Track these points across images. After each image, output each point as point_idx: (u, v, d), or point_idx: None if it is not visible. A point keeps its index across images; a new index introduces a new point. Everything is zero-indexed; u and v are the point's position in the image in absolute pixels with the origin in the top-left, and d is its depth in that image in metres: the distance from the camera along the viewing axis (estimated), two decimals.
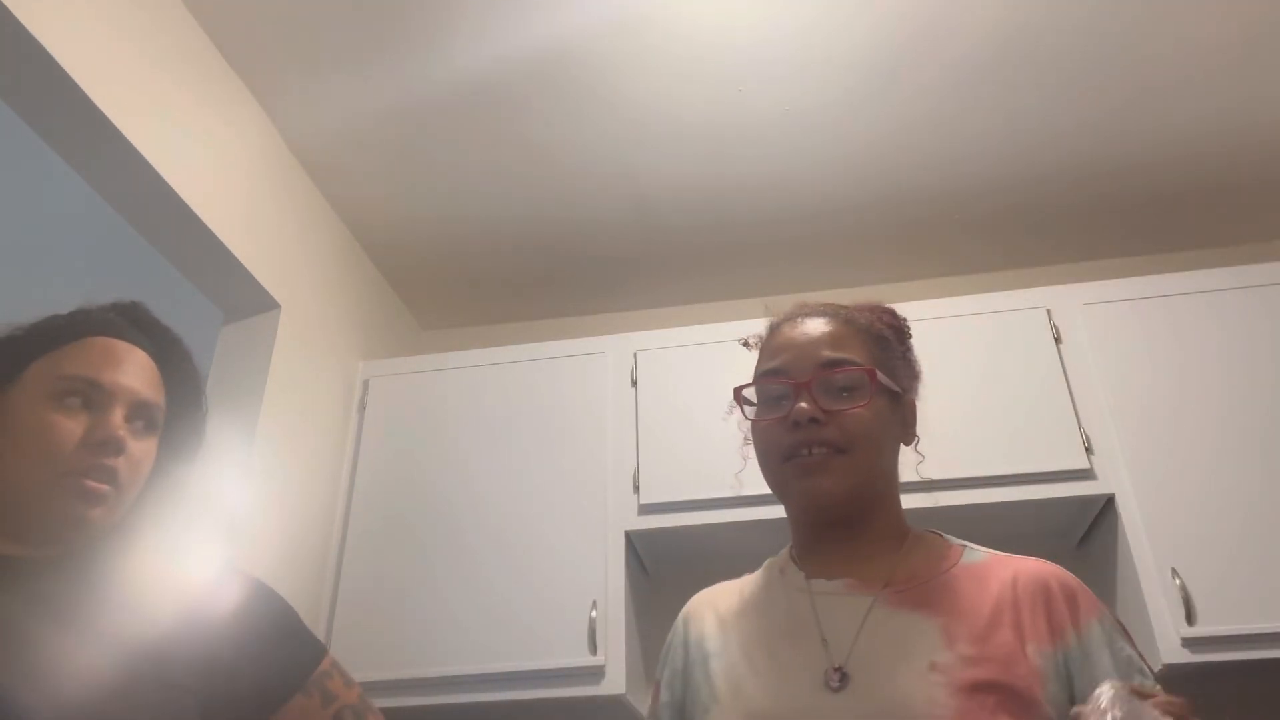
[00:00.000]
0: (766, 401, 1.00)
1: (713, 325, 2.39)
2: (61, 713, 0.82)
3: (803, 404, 0.93)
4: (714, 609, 1.04)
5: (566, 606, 2.02)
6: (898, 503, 1.02)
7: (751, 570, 1.09)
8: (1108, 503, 2.02)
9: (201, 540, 1.04)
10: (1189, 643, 1.80)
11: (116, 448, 0.92)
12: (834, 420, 0.94)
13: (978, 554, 0.98)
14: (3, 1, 1.43)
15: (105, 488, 0.92)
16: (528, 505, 2.17)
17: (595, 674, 1.95)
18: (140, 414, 0.97)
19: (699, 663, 0.99)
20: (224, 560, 1.06)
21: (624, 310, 2.90)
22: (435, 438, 2.31)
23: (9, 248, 2.65)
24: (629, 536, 2.12)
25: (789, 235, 2.62)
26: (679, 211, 2.52)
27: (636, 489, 2.15)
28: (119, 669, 0.88)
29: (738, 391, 1.03)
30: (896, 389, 1.01)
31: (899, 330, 1.07)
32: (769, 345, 1.05)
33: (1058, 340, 2.18)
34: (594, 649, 1.96)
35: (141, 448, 0.97)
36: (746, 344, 1.11)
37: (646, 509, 2.13)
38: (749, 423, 1.03)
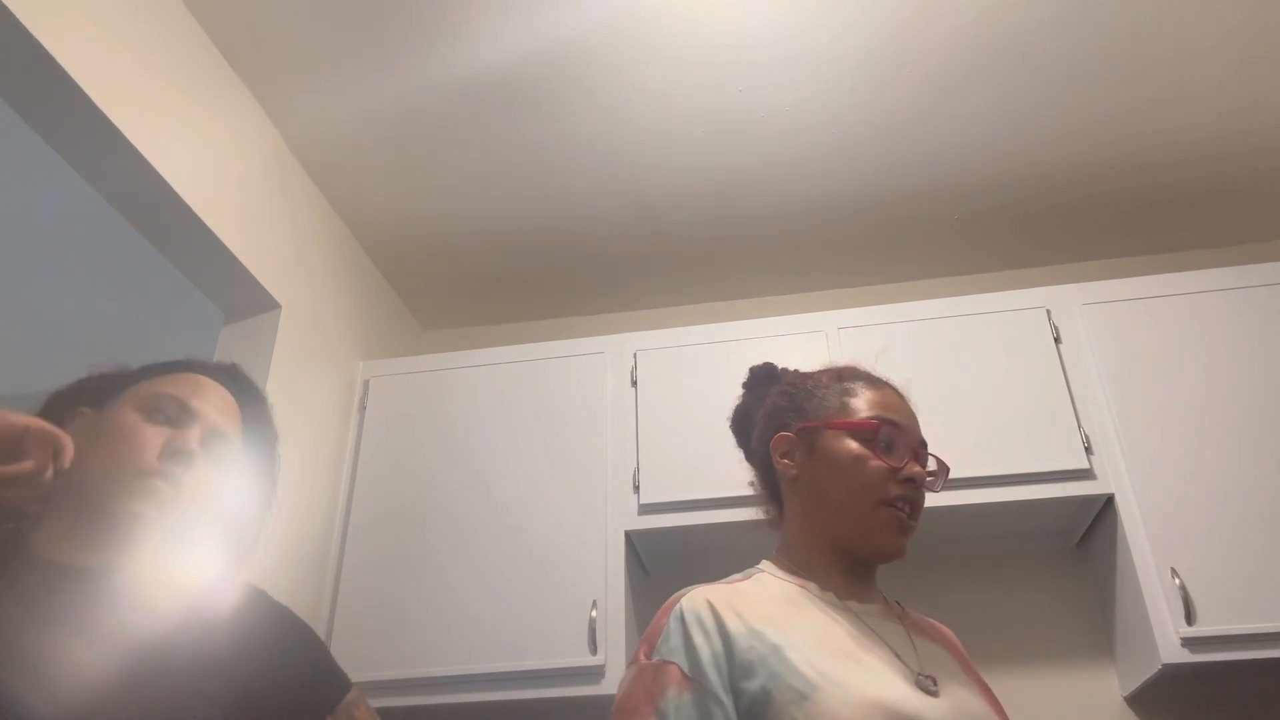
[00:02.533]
0: (871, 441, 1.05)
1: (713, 325, 2.39)
2: None
3: (921, 469, 1.05)
4: (746, 608, 0.98)
5: (566, 606, 2.03)
6: None
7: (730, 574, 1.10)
8: (1107, 503, 2.02)
9: (231, 566, 1.11)
10: (1188, 642, 1.80)
11: (189, 459, 1.02)
12: (919, 492, 1.06)
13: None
14: (4, 3, 1.44)
15: (168, 489, 1.00)
16: (528, 505, 2.17)
17: (595, 674, 1.95)
18: (215, 440, 1.06)
19: (764, 653, 0.93)
20: (252, 586, 1.09)
21: (624, 310, 2.90)
22: (435, 438, 2.31)
23: (9, 248, 2.65)
24: (629, 536, 2.12)
25: (789, 236, 2.62)
26: (679, 211, 2.52)
27: (636, 489, 2.15)
28: (144, 691, 0.89)
29: (856, 422, 1.07)
30: None
31: None
32: (876, 396, 1.09)
33: (1057, 340, 2.18)
34: (594, 649, 1.96)
35: (208, 472, 1.05)
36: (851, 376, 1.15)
37: (646, 509, 2.13)
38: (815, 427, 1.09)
